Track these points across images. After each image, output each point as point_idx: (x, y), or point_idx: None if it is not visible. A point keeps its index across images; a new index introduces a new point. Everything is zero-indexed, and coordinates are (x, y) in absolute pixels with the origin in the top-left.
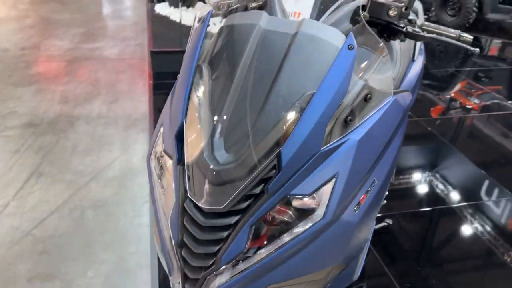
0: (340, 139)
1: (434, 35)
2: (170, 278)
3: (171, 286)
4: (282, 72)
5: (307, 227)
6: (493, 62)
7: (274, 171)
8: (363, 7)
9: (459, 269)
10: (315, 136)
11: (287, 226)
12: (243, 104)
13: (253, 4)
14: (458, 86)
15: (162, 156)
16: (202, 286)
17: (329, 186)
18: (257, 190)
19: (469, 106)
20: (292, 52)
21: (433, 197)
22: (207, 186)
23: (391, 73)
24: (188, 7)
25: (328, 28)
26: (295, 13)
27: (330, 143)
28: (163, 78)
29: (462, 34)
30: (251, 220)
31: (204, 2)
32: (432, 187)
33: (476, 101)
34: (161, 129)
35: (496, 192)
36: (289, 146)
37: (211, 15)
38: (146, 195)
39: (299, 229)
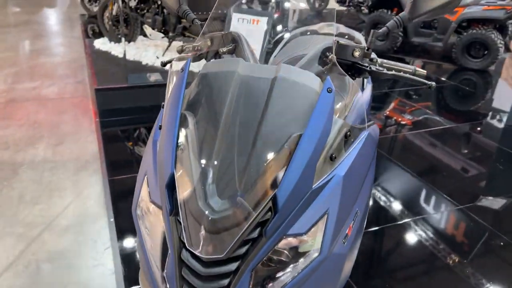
0: (327, 176)
1: (394, 72)
2: None
3: None
4: (266, 116)
5: (305, 265)
6: None
7: (269, 213)
8: (329, 49)
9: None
10: (307, 176)
11: (285, 266)
12: (232, 149)
13: (224, 49)
14: (392, 105)
15: (148, 207)
16: None
17: (322, 223)
18: (255, 234)
19: (403, 122)
20: (274, 96)
21: (381, 214)
22: (204, 235)
23: (363, 109)
24: (129, 41)
25: (304, 72)
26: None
27: (319, 181)
28: (110, 116)
29: (417, 69)
30: (251, 265)
31: (146, 37)
32: (378, 204)
33: (409, 117)
34: (145, 178)
35: (436, 201)
36: (284, 187)
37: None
38: (107, 240)
39: (297, 268)
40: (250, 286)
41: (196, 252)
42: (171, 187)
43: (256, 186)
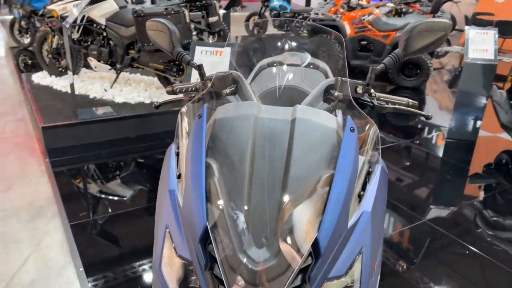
0: (357, 214)
1: (393, 105)
2: None
3: None
4: (292, 158)
5: None
6: None
7: (309, 258)
8: (332, 87)
9: None
10: (343, 216)
11: None
12: (262, 195)
13: (227, 91)
14: None
15: (175, 263)
16: None
17: (358, 262)
18: (298, 282)
19: None
20: (296, 138)
21: None
22: (253, 285)
23: (375, 143)
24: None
25: (321, 112)
26: None
27: (352, 220)
28: (61, 155)
29: (409, 101)
30: None
31: (90, 69)
32: None
33: None
34: (166, 233)
35: (399, 215)
36: (324, 230)
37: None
38: None
39: None
40: None
41: None
42: (203, 241)
43: (295, 231)
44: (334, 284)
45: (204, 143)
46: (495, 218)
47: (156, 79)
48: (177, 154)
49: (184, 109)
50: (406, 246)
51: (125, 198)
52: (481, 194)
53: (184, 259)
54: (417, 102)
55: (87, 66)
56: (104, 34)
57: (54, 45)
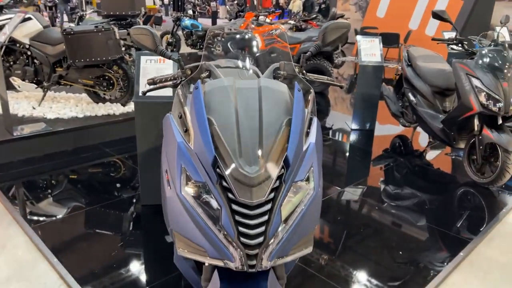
0: (307, 143)
1: (318, 79)
2: (230, 264)
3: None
4: (263, 110)
5: (307, 199)
6: None
7: (283, 169)
8: (278, 68)
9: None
10: (300, 143)
11: (296, 204)
12: (247, 134)
13: (204, 75)
14: None
15: (192, 186)
16: (262, 255)
17: (311, 172)
18: (277, 184)
19: None
20: (264, 98)
21: None
22: (249, 189)
23: (314, 103)
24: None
25: (275, 81)
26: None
27: (305, 146)
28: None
29: (328, 78)
30: (278, 204)
31: (12, 88)
32: None
33: None
34: (182, 169)
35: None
36: (290, 152)
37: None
38: (56, 279)
39: (304, 201)
40: (281, 218)
41: (247, 201)
42: (213, 165)
43: (272, 154)
44: (298, 185)
45: (203, 104)
46: (393, 183)
47: (84, 95)
48: (181, 117)
49: (178, 90)
50: (333, 206)
51: (72, 201)
52: (382, 168)
53: (198, 182)
54: (333, 79)
55: (9, 87)
56: (28, 53)
57: None
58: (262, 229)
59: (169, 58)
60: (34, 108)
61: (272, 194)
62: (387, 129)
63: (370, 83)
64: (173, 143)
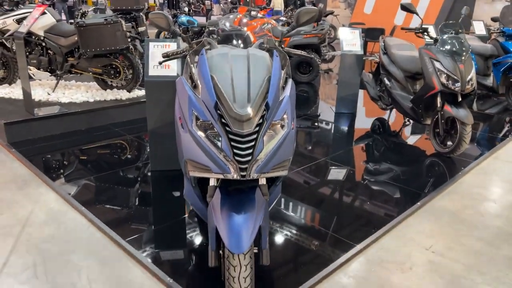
0: (283, 95)
1: (292, 52)
2: (228, 175)
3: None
4: (250, 70)
5: (281, 135)
6: None
7: (265, 111)
8: (263, 43)
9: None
10: (277, 93)
11: (272, 136)
12: (239, 86)
13: (206, 48)
14: None
15: (201, 124)
16: (251, 169)
17: (286, 115)
18: (261, 120)
19: None
20: (251, 61)
21: None
22: (241, 124)
23: (290, 67)
24: (10, 84)
25: (259, 50)
26: (165, 65)
27: (281, 97)
28: (25, 146)
29: (303, 52)
30: (262, 134)
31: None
32: None
33: None
34: (193, 112)
35: (308, 157)
36: (270, 98)
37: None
38: (85, 222)
39: (278, 136)
40: (263, 144)
41: (240, 131)
42: (215, 108)
43: (257, 99)
44: (276, 123)
45: (207, 66)
46: (371, 155)
47: (92, 83)
48: (190, 77)
49: (187, 59)
50: (316, 172)
51: (91, 168)
52: (363, 144)
53: (204, 121)
54: (311, 55)
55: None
56: (43, 44)
57: None
58: (250, 151)
59: (179, 36)
60: (49, 94)
61: (257, 128)
62: (367, 111)
63: (351, 71)
64: (185, 95)
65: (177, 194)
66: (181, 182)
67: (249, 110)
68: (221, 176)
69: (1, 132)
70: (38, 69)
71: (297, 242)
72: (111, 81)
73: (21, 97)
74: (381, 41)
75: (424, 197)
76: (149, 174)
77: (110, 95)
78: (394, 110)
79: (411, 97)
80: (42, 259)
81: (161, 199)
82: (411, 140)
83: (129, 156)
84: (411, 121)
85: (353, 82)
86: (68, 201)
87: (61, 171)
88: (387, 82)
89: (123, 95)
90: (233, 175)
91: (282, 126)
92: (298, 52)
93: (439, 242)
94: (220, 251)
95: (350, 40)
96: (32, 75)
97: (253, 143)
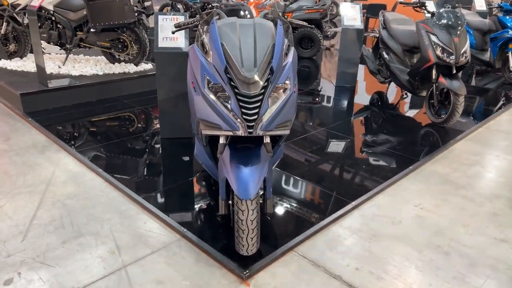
0: (286, 61)
1: (294, 22)
2: (237, 132)
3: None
4: (256, 37)
5: (284, 97)
6: None
7: (270, 75)
8: (267, 13)
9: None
10: (281, 59)
11: (277, 98)
12: (247, 51)
13: (215, 18)
14: None
15: (212, 86)
16: (257, 127)
17: (288, 79)
18: (266, 83)
19: None
20: (257, 29)
21: None
22: (248, 86)
23: (292, 36)
24: (21, 57)
25: (265, 20)
26: (174, 38)
27: (284, 62)
28: (40, 116)
29: (306, 23)
30: (267, 96)
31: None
32: None
33: None
34: (205, 77)
35: (310, 126)
36: (275, 63)
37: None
38: (106, 185)
39: (282, 98)
40: (268, 104)
41: (247, 92)
42: (225, 72)
43: (263, 64)
44: (280, 87)
45: (218, 33)
46: (369, 128)
47: (100, 57)
48: (202, 44)
49: (200, 27)
50: (316, 140)
51: (104, 135)
52: (362, 116)
53: (215, 84)
54: (313, 26)
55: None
56: (53, 18)
57: (2, 31)
58: (256, 111)
59: (191, 8)
60: (59, 67)
61: (263, 90)
62: (367, 85)
63: (351, 45)
64: (197, 61)
65: (186, 158)
66: (189, 148)
67: (256, 74)
68: (230, 133)
69: (17, 102)
70: (48, 43)
71: (298, 198)
72: (119, 55)
73: (32, 70)
74: (381, 16)
75: (416, 161)
76: (159, 141)
77: (118, 68)
78: (392, 83)
79: (408, 70)
80: (67, 213)
81: (171, 163)
82: (408, 112)
83: (139, 126)
84: (408, 94)
85: (353, 56)
86: (86, 164)
87: (77, 138)
88: (385, 56)
89: (131, 68)
90: (241, 132)
91: (285, 90)
92: (300, 22)
93: (427, 200)
94: (229, 201)
95: (351, 15)
96: (42, 49)
97: (259, 103)
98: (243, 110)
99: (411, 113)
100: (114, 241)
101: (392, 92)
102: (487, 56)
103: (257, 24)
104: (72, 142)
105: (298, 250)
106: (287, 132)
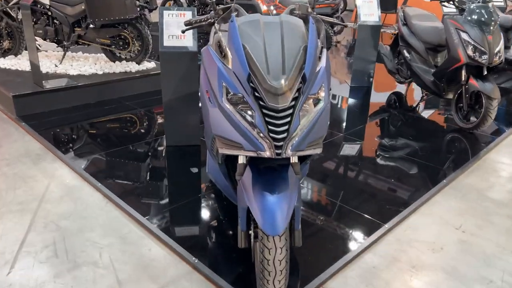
0: (319, 66)
1: (324, 19)
2: (263, 153)
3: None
4: (284, 38)
5: (317, 109)
6: None
7: (301, 84)
8: (294, 9)
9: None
10: (314, 65)
11: (310, 111)
12: (273, 56)
13: (233, 14)
14: None
15: (232, 97)
16: (286, 147)
17: (321, 89)
18: (296, 94)
19: None
20: (285, 29)
21: None
22: (276, 97)
23: (323, 35)
24: (15, 55)
25: (292, 17)
26: (180, 36)
27: (317, 68)
28: (34, 120)
29: (334, 19)
30: (298, 109)
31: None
32: None
33: None
34: (223, 86)
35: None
36: (307, 70)
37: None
38: (102, 199)
39: (315, 111)
40: (299, 119)
41: (275, 105)
42: (248, 80)
43: (293, 71)
44: (312, 97)
45: (238, 34)
46: (389, 132)
47: (99, 54)
48: (219, 47)
49: (216, 25)
50: (333, 149)
51: (104, 143)
52: (378, 118)
53: (236, 94)
54: (346, 24)
55: None
56: (49, 13)
57: None
58: (286, 127)
59: (205, 2)
60: (56, 66)
61: (293, 102)
62: (384, 85)
63: (368, 42)
64: (213, 67)
65: (195, 170)
66: (198, 158)
67: (285, 82)
68: (253, 154)
69: (9, 105)
70: (44, 39)
71: (323, 221)
72: (120, 53)
73: (28, 68)
74: (400, 12)
75: (448, 174)
76: (164, 149)
77: (119, 67)
78: (411, 83)
79: (432, 70)
80: (61, 237)
81: (179, 175)
82: (430, 114)
83: (142, 131)
84: (428, 94)
85: (370, 54)
86: (83, 177)
87: (74, 145)
88: (406, 54)
89: (133, 67)
90: (268, 153)
91: (318, 100)
92: (330, 19)
93: (468, 221)
94: (250, 231)
95: (367, 9)
96: (38, 46)
97: (288, 118)
98: (269, 126)
99: (434, 116)
100: (114, 273)
101: (411, 92)
102: (510, 54)
103: (284, 22)
104: (69, 151)
105: (328, 286)
106: (319, 150)
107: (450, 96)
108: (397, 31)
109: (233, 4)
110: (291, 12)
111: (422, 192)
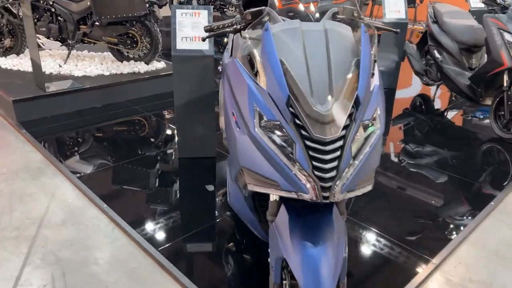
0: (373, 84)
1: (373, 24)
2: (305, 196)
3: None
4: (330, 51)
5: (374, 137)
6: None
7: (353, 108)
8: (337, 13)
9: None
10: (368, 83)
11: (364, 141)
12: (317, 73)
13: (266, 19)
14: None
15: (267, 125)
16: (335, 188)
17: (376, 113)
18: (348, 122)
19: None
20: (330, 39)
21: None
22: (323, 126)
23: (376, 45)
24: (17, 54)
25: (339, 24)
26: (195, 38)
27: (372, 87)
28: (36, 126)
29: (381, 23)
30: (349, 141)
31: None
32: None
33: None
34: (255, 109)
35: None
36: (360, 91)
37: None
38: (108, 223)
39: (370, 140)
40: (351, 155)
41: (321, 137)
42: (287, 104)
43: (343, 92)
44: (366, 123)
45: (274, 46)
46: (412, 139)
47: (106, 53)
48: (250, 61)
49: (245, 33)
50: None
51: (111, 154)
52: (402, 124)
53: (271, 120)
54: (398, 30)
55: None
56: (52, 10)
57: None
58: (335, 163)
59: (229, 4)
60: (60, 66)
61: (343, 131)
62: (409, 87)
63: (393, 41)
64: (242, 85)
65: (210, 188)
66: (213, 172)
67: (333, 107)
68: (293, 196)
69: (9, 110)
70: (48, 38)
71: (359, 254)
72: (128, 52)
73: (30, 69)
74: (430, 8)
75: (495, 194)
76: (176, 162)
77: (127, 67)
78: (439, 86)
79: (466, 72)
80: (61, 272)
81: (193, 195)
82: (462, 120)
83: (152, 140)
84: (459, 98)
85: (395, 53)
86: (87, 195)
87: (78, 157)
88: (437, 55)
89: (141, 67)
90: (311, 195)
91: (371, 127)
92: (380, 24)
93: None
94: (284, 282)
95: (393, 6)
96: (41, 44)
97: (338, 152)
98: (314, 162)
99: (467, 122)
100: None
101: (441, 96)
102: None
103: (329, 30)
104: (72, 163)
105: None
106: (370, 187)
107: (488, 102)
108: (424, 30)
109: (266, 8)
110: (334, 16)
111: (468, 217)
